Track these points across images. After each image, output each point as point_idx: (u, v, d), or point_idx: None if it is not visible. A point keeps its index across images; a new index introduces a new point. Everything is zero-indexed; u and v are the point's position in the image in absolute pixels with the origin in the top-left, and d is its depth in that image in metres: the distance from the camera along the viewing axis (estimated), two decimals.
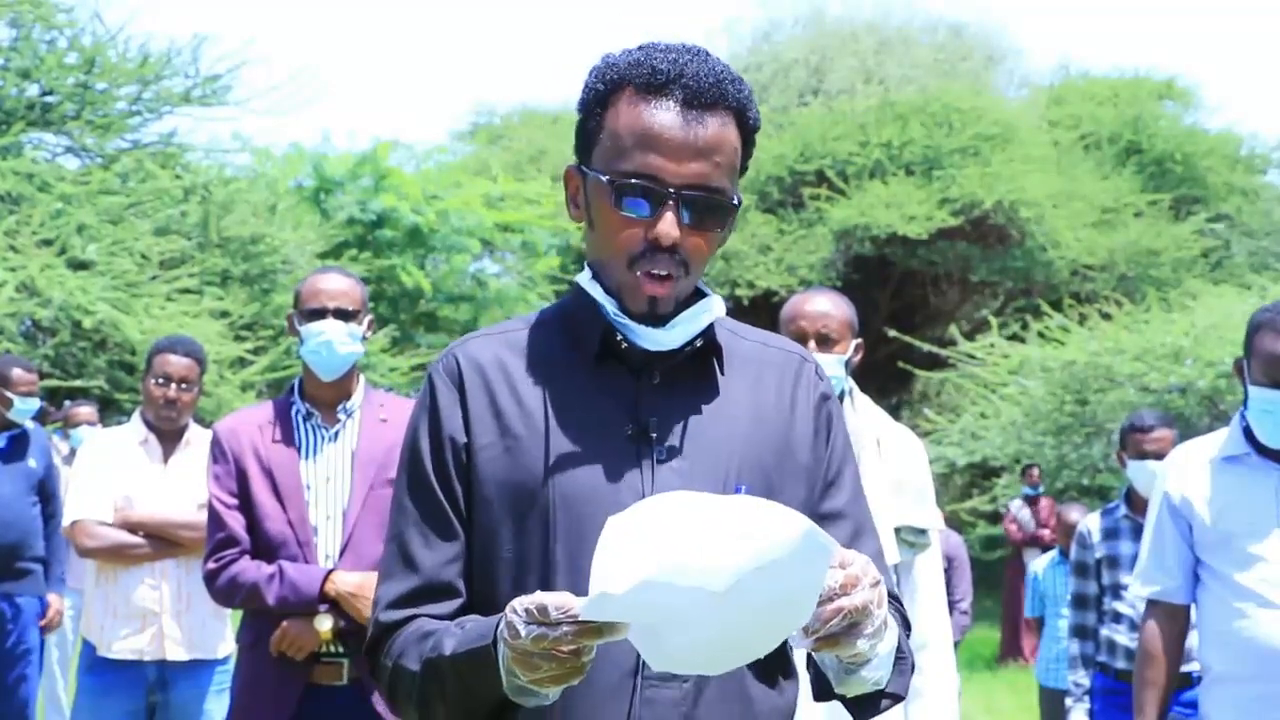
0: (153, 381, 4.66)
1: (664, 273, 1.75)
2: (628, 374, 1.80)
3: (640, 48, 1.80)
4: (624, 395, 1.79)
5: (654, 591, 1.44)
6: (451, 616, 1.77)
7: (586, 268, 1.86)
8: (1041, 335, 12.25)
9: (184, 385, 4.66)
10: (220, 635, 4.64)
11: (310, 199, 16.76)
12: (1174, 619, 3.53)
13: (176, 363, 4.66)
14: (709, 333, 1.84)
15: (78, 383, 11.20)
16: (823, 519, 1.86)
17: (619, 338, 1.80)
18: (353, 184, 16.89)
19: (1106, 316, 12.36)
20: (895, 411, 16.25)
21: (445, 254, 17.34)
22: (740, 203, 1.82)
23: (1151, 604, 3.57)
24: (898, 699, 1.76)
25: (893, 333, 14.14)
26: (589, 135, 1.81)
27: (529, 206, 17.91)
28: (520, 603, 1.53)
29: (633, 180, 1.74)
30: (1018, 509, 11.79)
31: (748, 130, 1.81)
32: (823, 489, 1.88)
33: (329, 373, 3.68)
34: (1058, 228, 16.83)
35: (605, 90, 1.79)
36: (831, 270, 16.72)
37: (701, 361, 1.83)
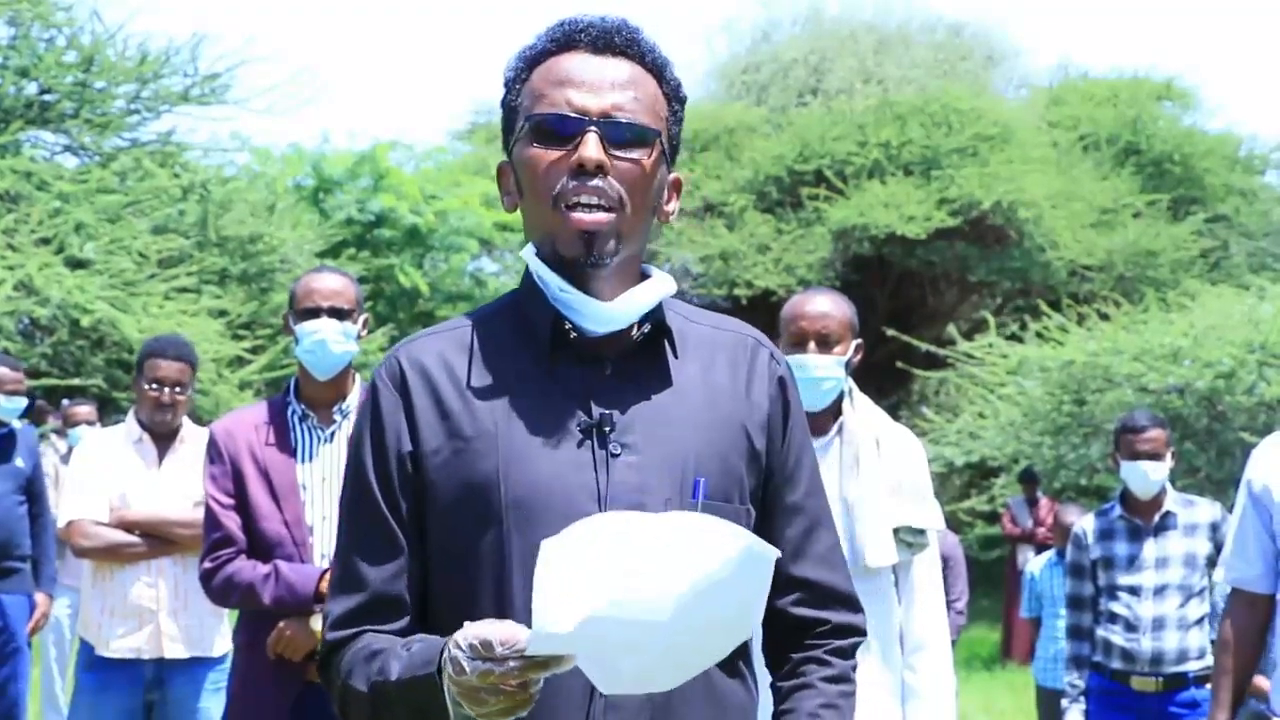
0: (145, 385, 4.65)
1: (593, 201, 1.69)
2: (579, 366, 1.74)
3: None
4: (576, 389, 1.73)
5: (600, 625, 1.42)
6: (400, 632, 1.72)
7: (530, 245, 1.79)
8: (1040, 335, 12.22)
9: (177, 389, 4.65)
10: (217, 633, 4.63)
11: (309, 198, 16.77)
12: (1254, 608, 3.50)
13: (167, 367, 4.64)
14: (659, 316, 1.77)
15: (76, 381, 11.18)
16: (778, 512, 1.83)
17: (568, 327, 1.74)
18: (351, 184, 16.91)
19: (1105, 317, 12.33)
20: (894, 411, 16.21)
21: (444, 254, 17.36)
22: (666, 141, 1.77)
23: (1233, 592, 3.55)
24: None
25: (891, 332, 14.11)
26: (512, 116, 1.79)
27: None
28: (464, 638, 1.50)
29: (551, 112, 1.72)
30: (1017, 505, 11.81)
31: (669, 91, 1.78)
32: (780, 481, 1.83)
33: (323, 372, 3.68)
34: (1056, 228, 16.81)
35: (521, 67, 1.79)
36: (830, 270, 16.68)
37: (653, 349, 1.77)
